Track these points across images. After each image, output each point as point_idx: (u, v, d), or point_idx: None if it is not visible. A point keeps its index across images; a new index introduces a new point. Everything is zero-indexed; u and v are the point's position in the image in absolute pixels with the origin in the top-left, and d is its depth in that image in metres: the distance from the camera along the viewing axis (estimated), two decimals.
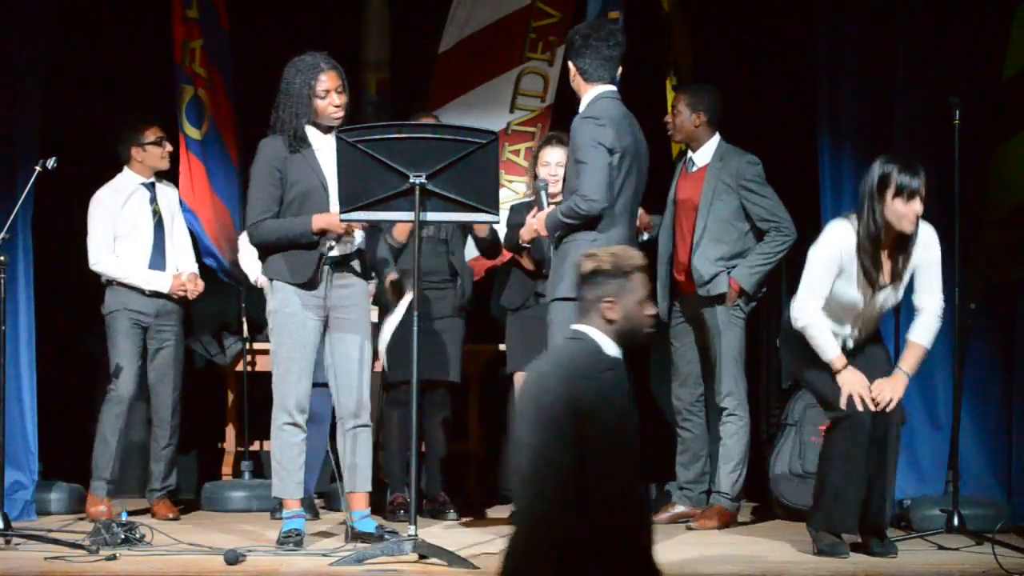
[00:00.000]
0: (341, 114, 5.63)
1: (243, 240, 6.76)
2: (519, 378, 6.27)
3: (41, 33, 6.74)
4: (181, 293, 6.73)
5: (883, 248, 5.42)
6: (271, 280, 5.68)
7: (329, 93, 5.60)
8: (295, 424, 5.64)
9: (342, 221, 5.42)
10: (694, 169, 6.61)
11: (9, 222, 5.94)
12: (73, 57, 7.49)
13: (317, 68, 5.61)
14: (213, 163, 7.30)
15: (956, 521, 5.83)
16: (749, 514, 6.88)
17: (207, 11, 7.28)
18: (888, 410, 5.43)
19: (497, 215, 5.35)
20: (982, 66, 6.58)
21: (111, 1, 7.69)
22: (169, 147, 6.84)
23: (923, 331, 5.53)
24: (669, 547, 5.78)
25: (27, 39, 6.70)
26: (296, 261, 5.60)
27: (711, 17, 7.64)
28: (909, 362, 5.51)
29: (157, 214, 6.79)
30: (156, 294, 6.70)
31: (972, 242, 6.35)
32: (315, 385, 6.69)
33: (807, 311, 5.50)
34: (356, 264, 5.71)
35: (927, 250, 5.48)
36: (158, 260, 6.75)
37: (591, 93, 5.66)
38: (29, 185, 6.09)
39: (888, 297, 5.51)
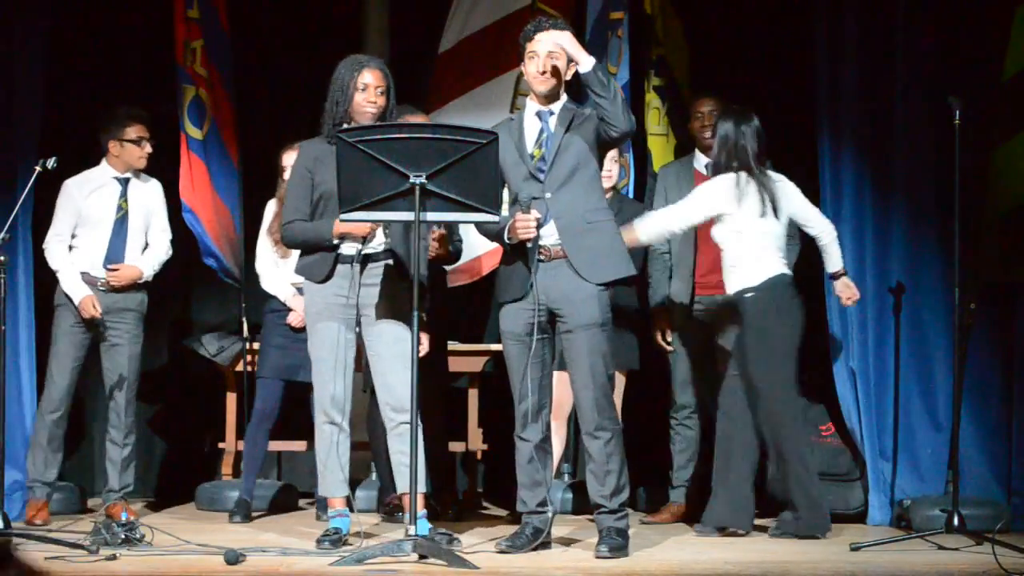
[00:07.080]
0: (374, 111, 5.57)
1: (262, 259, 6.75)
2: None
3: (41, 33, 6.74)
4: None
5: None
6: (305, 279, 5.69)
7: (368, 88, 5.57)
8: (331, 422, 5.59)
9: (342, 221, 5.39)
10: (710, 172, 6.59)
11: (9, 222, 5.93)
12: (73, 57, 7.49)
13: (364, 64, 5.62)
14: (214, 163, 7.28)
15: (956, 521, 5.82)
16: None
17: (207, 11, 7.27)
18: None
19: (498, 215, 5.32)
20: (982, 66, 6.58)
21: (112, 2, 7.69)
22: (149, 148, 6.61)
23: None
24: (669, 547, 5.79)
25: (27, 39, 6.70)
26: (317, 260, 5.62)
27: (709, 17, 7.64)
28: None
29: (122, 209, 6.58)
30: (112, 289, 6.50)
31: (972, 242, 6.35)
32: None
33: None
34: (388, 262, 5.62)
35: None
36: (116, 255, 6.55)
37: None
38: (29, 185, 6.08)
39: None
